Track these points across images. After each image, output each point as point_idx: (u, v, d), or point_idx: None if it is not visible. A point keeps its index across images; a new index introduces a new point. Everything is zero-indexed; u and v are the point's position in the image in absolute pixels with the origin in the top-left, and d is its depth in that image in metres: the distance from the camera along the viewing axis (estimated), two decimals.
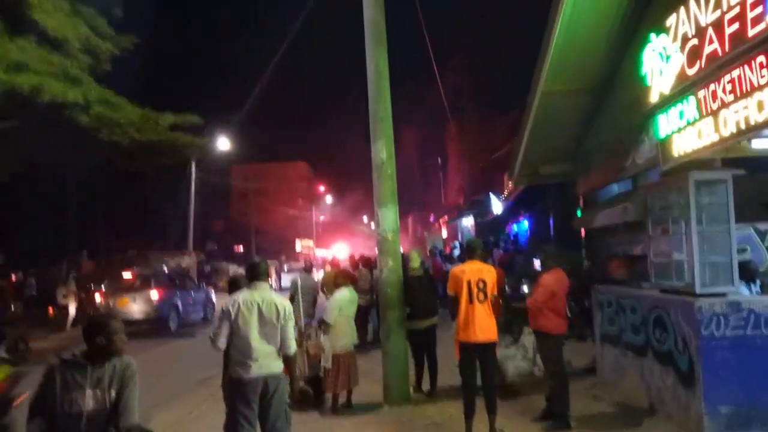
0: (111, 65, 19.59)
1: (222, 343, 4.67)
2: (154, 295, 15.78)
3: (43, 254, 26.03)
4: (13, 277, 20.96)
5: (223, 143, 28.61)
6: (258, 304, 4.70)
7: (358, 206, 67.87)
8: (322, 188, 70.28)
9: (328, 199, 70.57)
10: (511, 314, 8.58)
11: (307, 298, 9.95)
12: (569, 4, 6.96)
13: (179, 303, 16.65)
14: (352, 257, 14.10)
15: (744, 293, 5.88)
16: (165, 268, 23.46)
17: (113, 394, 3.12)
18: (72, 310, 17.46)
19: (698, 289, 5.62)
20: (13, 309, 16.00)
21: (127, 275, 17.87)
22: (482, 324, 5.64)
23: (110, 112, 18.49)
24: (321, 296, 10.06)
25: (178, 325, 16.27)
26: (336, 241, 58.86)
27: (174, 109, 21.45)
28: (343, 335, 7.05)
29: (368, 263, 11.90)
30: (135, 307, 15.55)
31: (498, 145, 22.36)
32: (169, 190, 31.63)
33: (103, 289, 16.80)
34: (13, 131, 18.36)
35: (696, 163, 5.83)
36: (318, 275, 15.23)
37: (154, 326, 15.80)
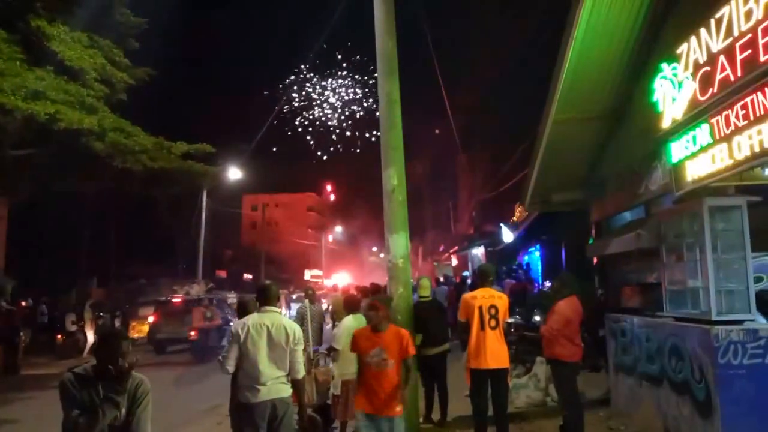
0: (126, 94, 20.00)
1: (231, 366, 4.62)
2: (199, 317, 17.27)
3: (54, 281, 26.14)
4: (24, 304, 20.98)
5: (235, 173, 28.87)
6: (268, 328, 4.67)
7: (368, 236, 67.95)
8: (331, 203, 70.38)
9: (338, 229, 70.69)
10: (524, 344, 8.45)
11: (313, 326, 9.87)
12: (580, 34, 7.01)
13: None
14: (351, 288, 14.00)
15: (761, 322, 5.76)
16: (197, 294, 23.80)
17: (124, 411, 3.08)
18: (90, 336, 17.51)
19: (714, 317, 5.52)
20: (22, 336, 15.98)
21: (175, 299, 19.05)
22: (494, 351, 5.56)
23: (124, 140, 18.79)
24: (328, 324, 9.98)
25: (218, 345, 16.60)
26: (338, 271, 58.74)
27: (186, 137, 21.79)
28: (352, 362, 6.94)
29: (378, 291, 11.81)
30: (179, 329, 16.90)
31: (509, 176, 22.37)
32: (180, 218, 31.84)
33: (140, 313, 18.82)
34: (29, 158, 18.68)
35: (710, 189, 5.78)
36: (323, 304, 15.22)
37: (195, 347, 16.76)
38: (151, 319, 18.28)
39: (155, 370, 13.87)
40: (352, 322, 7.07)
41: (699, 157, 5.59)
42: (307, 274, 55.63)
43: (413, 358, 5.08)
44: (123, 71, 20.02)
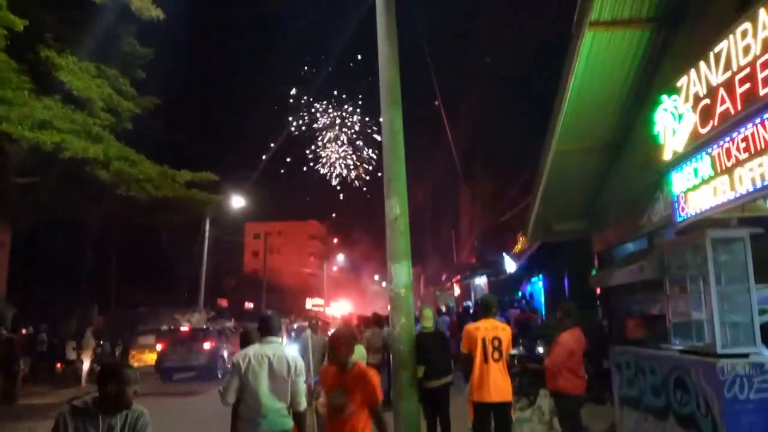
0: (132, 123, 20.23)
1: (231, 397, 4.58)
2: (207, 345, 18.06)
3: (55, 308, 26.03)
4: (24, 331, 20.87)
5: (238, 201, 28.97)
6: (269, 359, 4.63)
7: (370, 264, 67.80)
8: (335, 240, 70.45)
9: (340, 257, 70.59)
10: (528, 376, 8.36)
11: (315, 356, 9.79)
12: (580, 67, 7.12)
13: (225, 354, 18.35)
14: (350, 317, 13.93)
15: (766, 355, 5.71)
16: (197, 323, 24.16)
17: None
18: (86, 364, 17.40)
19: (719, 350, 5.47)
20: (21, 365, 15.86)
21: (183, 328, 20.05)
22: (497, 383, 5.50)
23: (129, 168, 18.94)
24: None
25: (224, 372, 16.82)
26: (338, 299, 58.49)
27: (189, 165, 21.96)
28: None
29: (380, 321, 11.75)
30: (190, 356, 17.71)
31: (510, 205, 22.42)
32: (182, 246, 31.86)
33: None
34: (33, 185, 18.82)
35: (712, 221, 5.79)
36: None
37: (205, 373, 17.41)
38: (159, 347, 18.84)
39: (156, 399, 13.72)
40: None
41: (701, 189, 5.62)
42: (309, 303, 55.35)
43: (383, 406, 4.35)
44: (129, 101, 20.29)
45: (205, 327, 20.90)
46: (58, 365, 18.27)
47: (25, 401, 14.77)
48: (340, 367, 4.35)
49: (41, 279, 28.16)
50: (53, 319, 23.62)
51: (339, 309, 43.42)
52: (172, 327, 20.89)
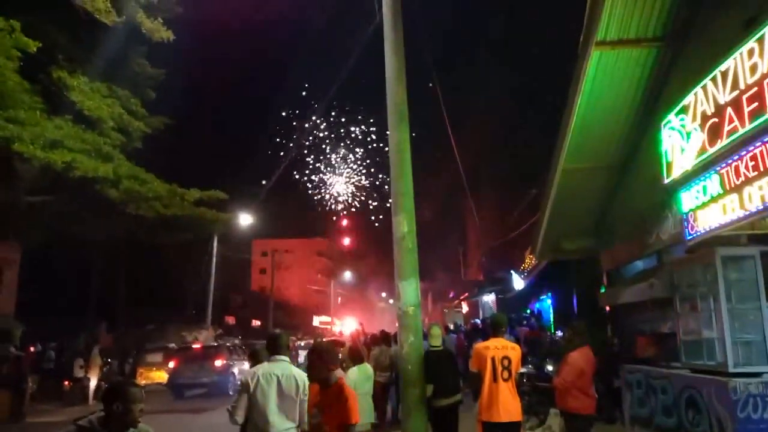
0: (142, 142, 20.43)
1: (240, 417, 4.56)
2: (219, 363, 18.30)
3: (63, 326, 26.08)
4: (32, 349, 20.91)
5: (245, 219, 29.06)
6: (278, 378, 4.61)
7: (377, 281, 67.63)
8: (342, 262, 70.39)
9: (347, 275, 70.47)
10: (537, 394, 8.28)
11: None
12: (587, 86, 7.16)
13: (236, 370, 18.37)
14: (357, 335, 13.83)
15: None
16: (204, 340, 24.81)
17: None
18: (93, 381, 17.37)
19: (731, 369, 5.42)
20: (29, 382, 15.87)
21: (195, 345, 20.39)
22: (506, 403, 5.45)
23: (138, 187, 19.07)
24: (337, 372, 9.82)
25: (235, 389, 16.63)
26: (345, 317, 58.28)
27: (198, 182, 22.12)
28: (360, 414, 6.84)
29: (387, 338, 11.69)
30: (202, 373, 17.86)
31: (517, 223, 22.39)
32: (190, 264, 31.93)
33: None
34: (43, 204, 18.98)
35: (722, 239, 5.77)
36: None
37: (216, 389, 17.49)
38: (171, 364, 19.10)
39: (165, 417, 13.68)
40: (356, 374, 6.98)
41: (710, 207, 5.61)
42: (316, 320, 55.19)
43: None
44: (140, 120, 20.52)
45: (216, 344, 21.09)
46: (66, 383, 18.24)
47: (33, 419, 14.74)
48: (321, 384, 4.25)
49: (50, 297, 28.27)
50: (61, 337, 23.66)
51: (347, 326, 43.17)
52: (182, 344, 21.23)
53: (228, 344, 20.97)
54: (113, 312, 32.06)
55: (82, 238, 24.39)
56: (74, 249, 26.60)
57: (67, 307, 28.68)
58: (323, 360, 4.29)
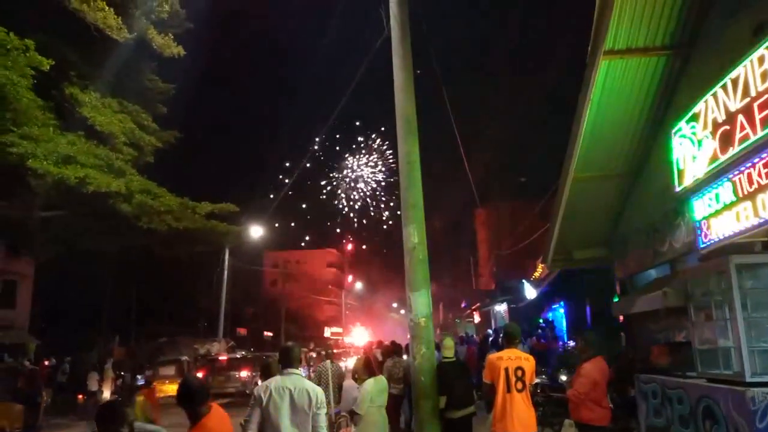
0: (153, 156, 20.59)
1: (253, 430, 4.55)
2: (244, 374, 19.35)
3: (77, 339, 26.25)
4: (47, 362, 21.05)
5: (256, 231, 29.14)
6: (290, 391, 4.60)
7: (388, 292, 67.49)
8: (350, 278, 70.47)
9: (358, 285, 70.41)
10: (551, 405, 8.20)
11: (332, 386, 9.68)
12: (596, 94, 7.16)
13: (258, 381, 18.38)
14: (370, 346, 13.78)
15: None
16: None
17: None
18: (107, 395, 17.46)
19: (748, 378, 5.34)
20: (44, 396, 15.96)
21: (222, 357, 21.48)
22: (520, 414, 5.40)
23: (150, 201, 19.18)
24: (348, 383, 9.77)
25: None
26: (356, 326, 58.16)
27: (207, 195, 22.23)
28: (375, 426, 6.82)
29: (399, 350, 11.62)
30: (228, 383, 19.02)
31: (528, 232, 22.32)
32: (202, 276, 32.05)
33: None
34: (55, 219, 19.15)
35: (736, 246, 5.72)
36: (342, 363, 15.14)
37: (241, 399, 17.61)
38: (199, 374, 19.78)
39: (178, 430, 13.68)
40: (372, 386, 6.95)
41: (723, 215, 5.57)
42: (327, 332, 55.12)
43: None
44: (151, 135, 20.69)
45: (239, 356, 22.28)
46: (80, 396, 18.33)
47: None
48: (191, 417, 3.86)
49: (63, 311, 28.47)
50: (75, 351, 23.81)
51: (358, 337, 43.07)
52: (195, 356, 22.42)
53: (250, 356, 22.16)
54: (126, 325, 32.22)
55: (95, 253, 24.55)
56: (87, 263, 26.81)
57: (80, 321, 28.87)
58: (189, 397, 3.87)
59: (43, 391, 15.74)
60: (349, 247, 70.74)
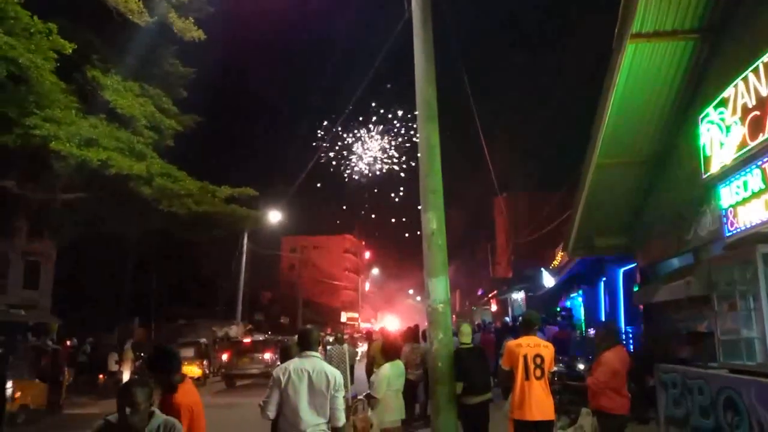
0: (173, 140, 20.72)
1: (272, 412, 4.57)
2: (267, 356, 20.11)
3: (97, 321, 26.70)
4: (69, 343, 21.45)
5: (275, 215, 29.29)
6: (309, 373, 4.61)
7: (405, 278, 67.66)
8: (368, 254, 70.68)
9: (374, 271, 70.64)
10: (569, 393, 8.16)
11: (342, 368, 9.70)
12: (621, 80, 7.02)
13: (279, 363, 19.60)
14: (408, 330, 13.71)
15: None
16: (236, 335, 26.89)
17: None
18: (126, 376, 17.76)
19: None
20: (67, 374, 16.28)
21: (246, 340, 22.80)
22: (539, 401, 5.38)
23: (171, 185, 19.34)
24: (359, 368, 9.81)
25: None
26: (384, 313, 58.41)
27: (228, 179, 22.35)
28: (391, 410, 6.84)
29: (415, 335, 11.62)
30: (252, 364, 19.94)
31: (547, 220, 22.14)
32: (221, 260, 32.34)
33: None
34: (77, 201, 19.41)
35: (762, 235, 5.60)
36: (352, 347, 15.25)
37: (264, 380, 18.05)
38: (224, 357, 21.95)
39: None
40: (390, 370, 6.96)
41: (751, 203, 5.45)
42: (344, 317, 55.46)
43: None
44: (171, 118, 20.79)
45: (261, 338, 23.38)
46: (101, 376, 18.67)
47: (69, 411, 15.12)
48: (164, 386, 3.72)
49: (85, 292, 28.94)
50: (96, 332, 24.21)
51: (389, 324, 43.24)
52: (218, 338, 24.74)
53: (273, 339, 22.78)
54: (146, 307, 32.69)
55: (116, 235, 24.87)
56: (108, 246, 27.18)
57: (100, 303, 29.33)
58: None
59: (65, 370, 16.06)
60: (364, 240, 70.96)
